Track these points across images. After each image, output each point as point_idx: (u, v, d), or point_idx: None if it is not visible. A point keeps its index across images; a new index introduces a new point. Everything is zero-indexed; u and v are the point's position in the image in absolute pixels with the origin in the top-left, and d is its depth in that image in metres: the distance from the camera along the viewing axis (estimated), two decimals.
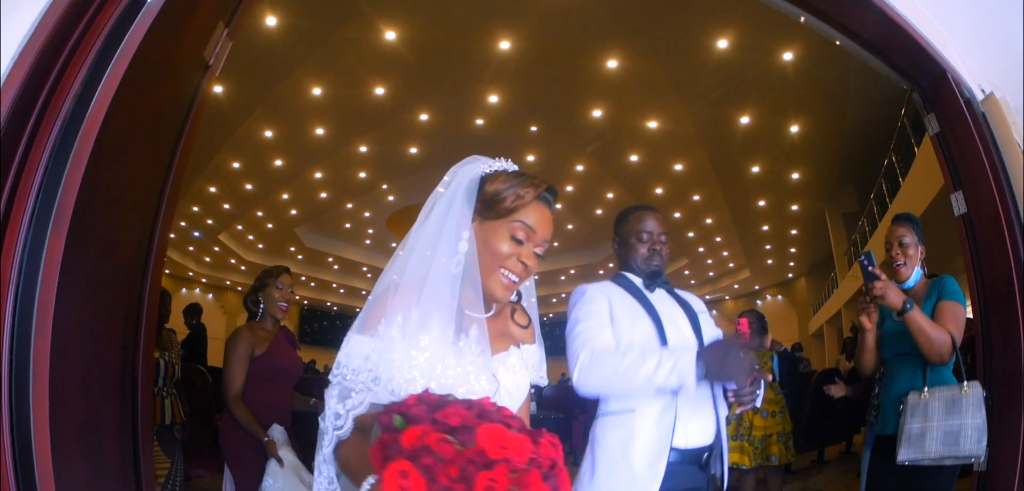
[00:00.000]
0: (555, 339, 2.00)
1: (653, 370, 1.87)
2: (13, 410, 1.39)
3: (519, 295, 1.58)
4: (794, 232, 11.39)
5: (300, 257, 14.49)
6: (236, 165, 9.05)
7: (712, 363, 1.83)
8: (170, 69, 1.73)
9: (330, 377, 1.37)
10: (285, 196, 10.70)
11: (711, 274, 15.35)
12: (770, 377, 4.88)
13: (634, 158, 8.70)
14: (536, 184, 1.47)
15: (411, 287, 1.43)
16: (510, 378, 1.51)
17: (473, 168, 1.51)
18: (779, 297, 14.85)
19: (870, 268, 2.60)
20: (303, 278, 13.89)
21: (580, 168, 9.41)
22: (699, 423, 2.03)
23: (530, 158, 9.23)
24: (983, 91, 3.20)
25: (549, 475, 0.99)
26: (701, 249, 13.05)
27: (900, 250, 2.89)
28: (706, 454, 2.08)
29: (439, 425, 1.02)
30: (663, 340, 2.04)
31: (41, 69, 1.47)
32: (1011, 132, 3.28)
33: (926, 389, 2.65)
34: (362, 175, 9.95)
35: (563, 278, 17.28)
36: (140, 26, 1.52)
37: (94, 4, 1.51)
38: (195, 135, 1.84)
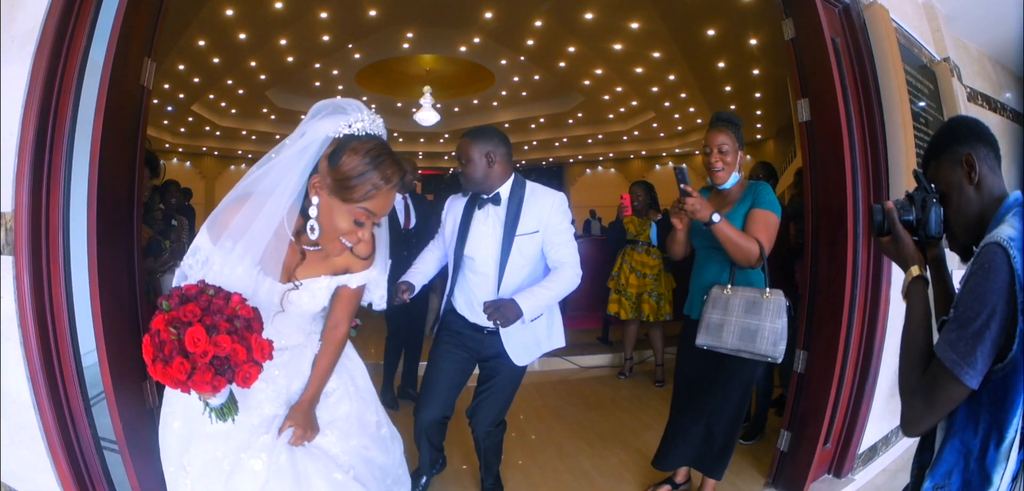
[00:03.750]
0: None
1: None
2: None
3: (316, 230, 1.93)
4: (758, 95, 11.64)
5: (273, 117, 14.82)
6: (202, 43, 9.49)
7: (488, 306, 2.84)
8: (125, 98, 2.76)
9: (183, 261, 1.87)
10: (253, 63, 11.10)
11: (680, 128, 15.53)
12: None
13: (589, 16, 8.98)
14: (389, 177, 1.78)
15: (249, 213, 1.80)
16: (306, 299, 2.01)
17: (330, 124, 1.80)
18: (747, 157, 15.20)
19: (682, 185, 2.85)
20: (277, 137, 14.70)
21: (538, 23, 9.74)
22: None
23: (487, 15, 9.59)
24: None
25: (225, 369, 1.59)
26: (667, 103, 13.24)
27: (719, 156, 3.06)
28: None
29: (176, 316, 1.58)
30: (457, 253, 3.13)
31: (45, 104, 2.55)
32: (894, 42, 3.57)
33: (730, 286, 2.96)
34: (326, 38, 10.30)
35: (533, 126, 17.63)
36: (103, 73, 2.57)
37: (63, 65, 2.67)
38: (146, 126, 2.96)
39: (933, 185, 1.69)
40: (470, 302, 3.13)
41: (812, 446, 3.45)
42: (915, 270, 1.68)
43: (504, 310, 2.81)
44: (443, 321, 3.25)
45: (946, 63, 4.29)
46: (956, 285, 1.59)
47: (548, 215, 3.02)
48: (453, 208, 3.23)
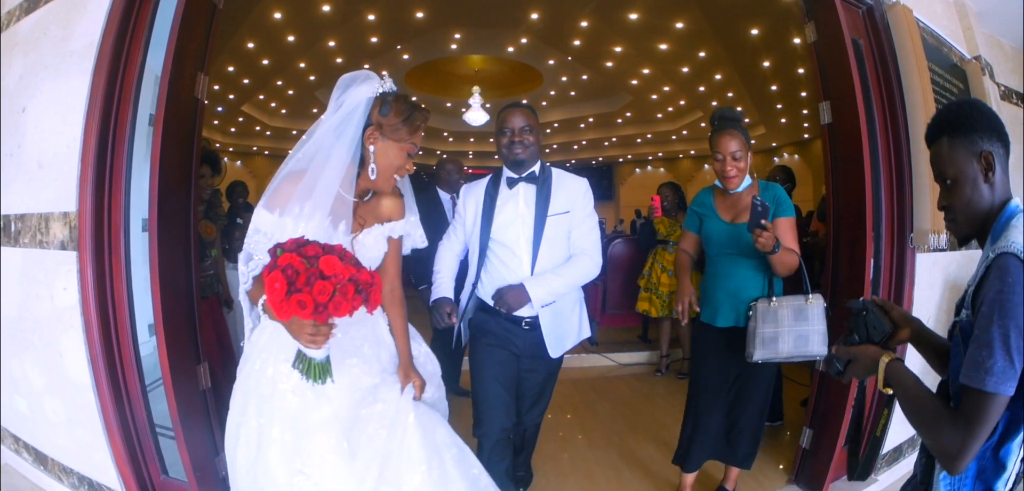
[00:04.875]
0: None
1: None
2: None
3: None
4: (804, 94, 11.50)
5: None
6: (251, 45, 9.79)
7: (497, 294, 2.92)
8: (182, 109, 3.07)
9: (245, 243, 2.07)
10: (302, 65, 11.33)
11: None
12: None
13: (633, 16, 9.06)
14: (424, 115, 2.21)
15: (310, 183, 2.06)
16: (368, 249, 2.25)
17: (366, 88, 2.15)
18: (795, 156, 14.82)
19: (764, 221, 2.78)
20: None
21: (584, 24, 9.84)
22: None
23: (533, 16, 9.76)
24: None
25: (361, 289, 1.74)
26: (714, 103, 13.04)
27: (733, 163, 3.05)
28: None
29: (301, 253, 1.71)
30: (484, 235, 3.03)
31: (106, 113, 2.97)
32: (918, 42, 3.59)
33: (774, 298, 2.99)
34: (374, 40, 10.48)
35: (582, 126, 17.69)
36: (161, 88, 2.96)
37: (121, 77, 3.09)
38: (201, 135, 3.25)
39: (941, 168, 1.66)
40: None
41: (832, 444, 3.53)
42: (884, 358, 1.67)
43: (507, 297, 2.87)
44: (474, 323, 3.15)
45: (977, 62, 4.26)
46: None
47: (578, 198, 2.99)
48: (470, 195, 3.13)
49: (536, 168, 2.99)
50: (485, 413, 3.03)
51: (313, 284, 1.66)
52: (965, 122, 1.61)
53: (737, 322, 3.13)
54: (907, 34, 3.59)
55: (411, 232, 2.46)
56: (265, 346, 2.16)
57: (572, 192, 3.00)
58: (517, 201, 2.99)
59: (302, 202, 2.05)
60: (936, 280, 3.80)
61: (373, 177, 2.18)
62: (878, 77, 3.64)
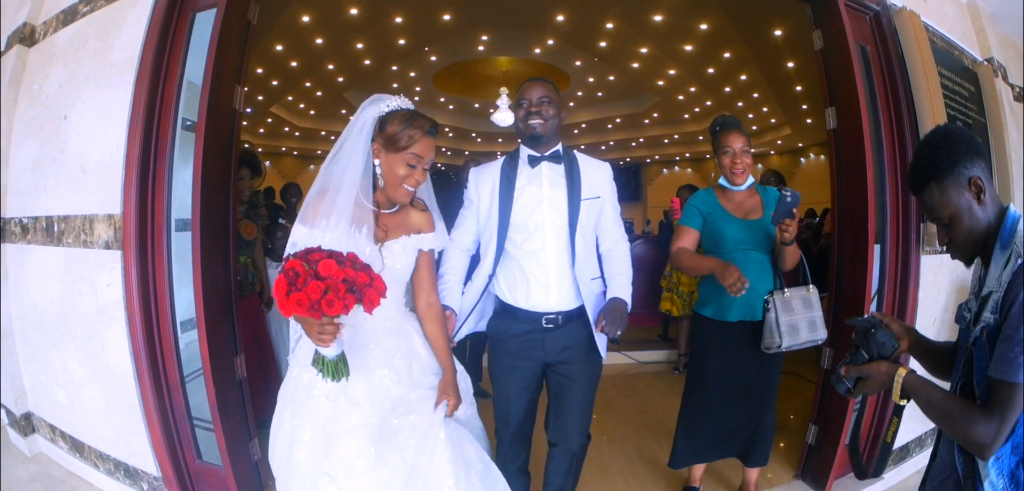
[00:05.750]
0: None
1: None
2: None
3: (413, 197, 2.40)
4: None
5: (351, 117, 15.18)
6: (280, 47, 10.03)
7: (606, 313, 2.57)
8: (221, 120, 3.35)
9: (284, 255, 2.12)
10: (330, 67, 11.55)
11: (755, 128, 15.18)
12: None
13: (658, 18, 9.17)
14: (422, 125, 2.30)
15: (332, 197, 2.24)
16: (395, 257, 2.37)
17: (374, 109, 2.30)
18: (821, 157, 14.70)
19: (795, 210, 2.89)
20: None
21: (609, 26, 9.93)
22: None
23: (559, 18, 9.87)
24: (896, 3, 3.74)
25: (355, 288, 1.87)
26: (740, 103, 13.06)
27: (741, 158, 3.20)
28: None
29: (305, 259, 1.89)
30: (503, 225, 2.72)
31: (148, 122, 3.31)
32: (925, 46, 3.68)
33: (786, 290, 3.10)
34: (401, 42, 10.66)
35: (610, 126, 17.74)
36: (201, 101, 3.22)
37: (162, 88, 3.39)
38: (239, 143, 3.51)
39: (936, 212, 1.72)
40: (525, 284, 2.72)
41: (837, 440, 3.61)
42: (901, 372, 1.72)
43: (614, 314, 2.58)
44: (491, 329, 2.88)
45: (989, 64, 4.32)
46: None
47: (606, 183, 2.80)
48: (481, 178, 2.80)
49: (558, 147, 2.73)
50: (506, 438, 2.84)
51: (309, 284, 1.84)
52: (947, 160, 1.67)
53: (749, 316, 3.19)
54: (914, 39, 3.66)
55: (441, 245, 2.59)
56: (304, 354, 2.30)
57: (600, 176, 2.78)
58: (540, 182, 2.71)
59: (328, 215, 2.23)
60: (942, 282, 3.88)
61: (381, 184, 2.35)
62: (885, 83, 3.75)
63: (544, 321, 2.72)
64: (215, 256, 3.30)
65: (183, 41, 3.40)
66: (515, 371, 2.76)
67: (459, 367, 2.55)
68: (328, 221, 2.22)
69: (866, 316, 1.88)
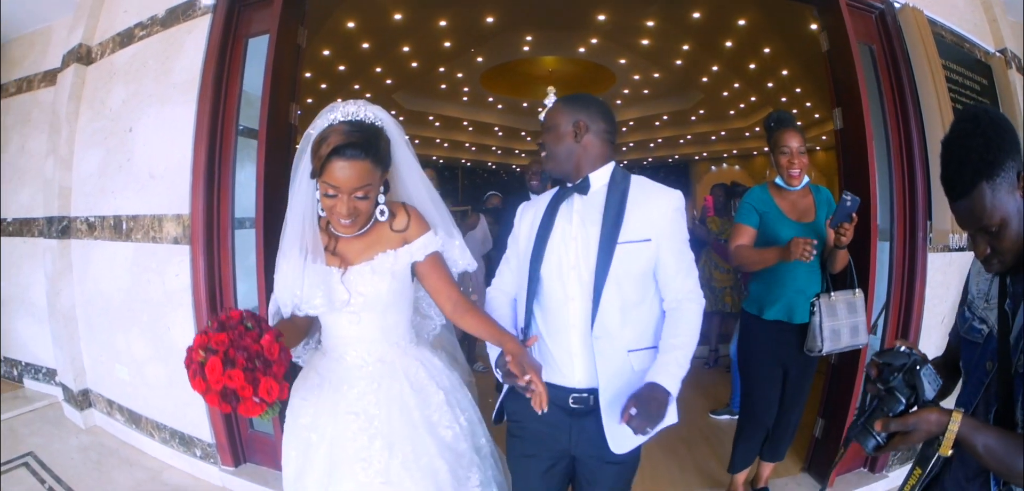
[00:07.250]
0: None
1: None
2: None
3: (385, 212, 2.07)
4: None
5: (401, 119, 15.05)
6: (326, 52, 10.36)
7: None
8: (279, 133, 3.82)
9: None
10: (378, 70, 11.87)
11: (799, 123, 15.06)
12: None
13: (696, 15, 9.33)
14: (320, 154, 1.87)
15: (287, 227, 2.09)
16: (365, 282, 2.07)
17: (315, 125, 1.96)
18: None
19: (853, 212, 2.84)
20: (406, 139, 15.33)
21: (650, 24, 10.08)
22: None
23: (601, 17, 10.02)
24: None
25: (229, 361, 1.64)
26: (783, 98, 13.07)
27: (798, 158, 3.16)
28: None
29: (225, 329, 1.70)
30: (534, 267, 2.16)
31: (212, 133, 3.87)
32: (931, 43, 3.70)
33: (832, 293, 3.11)
34: (447, 44, 10.89)
35: (657, 124, 17.66)
36: (261, 116, 3.75)
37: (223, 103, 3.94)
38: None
39: (983, 219, 1.40)
40: (549, 349, 2.15)
41: (839, 435, 3.70)
42: (956, 418, 1.35)
43: (649, 405, 1.91)
44: (508, 407, 2.26)
45: (1002, 56, 4.28)
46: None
47: (665, 222, 2.07)
48: (526, 213, 2.28)
49: (596, 176, 2.12)
50: None
51: (194, 379, 1.71)
52: (997, 153, 1.36)
53: (798, 318, 3.21)
54: (918, 36, 3.68)
55: (449, 255, 2.24)
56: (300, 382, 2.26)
57: (657, 210, 2.07)
58: (570, 219, 2.13)
59: (288, 245, 2.09)
60: (951, 280, 3.89)
61: (322, 215, 2.08)
62: (891, 81, 3.82)
63: (571, 401, 2.11)
64: (276, 251, 3.63)
65: (240, 62, 3.93)
66: (536, 459, 2.17)
67: (441, 364, 2.27)
68: (287, 250, 2.09)
69: (900, 348, 1.52)
